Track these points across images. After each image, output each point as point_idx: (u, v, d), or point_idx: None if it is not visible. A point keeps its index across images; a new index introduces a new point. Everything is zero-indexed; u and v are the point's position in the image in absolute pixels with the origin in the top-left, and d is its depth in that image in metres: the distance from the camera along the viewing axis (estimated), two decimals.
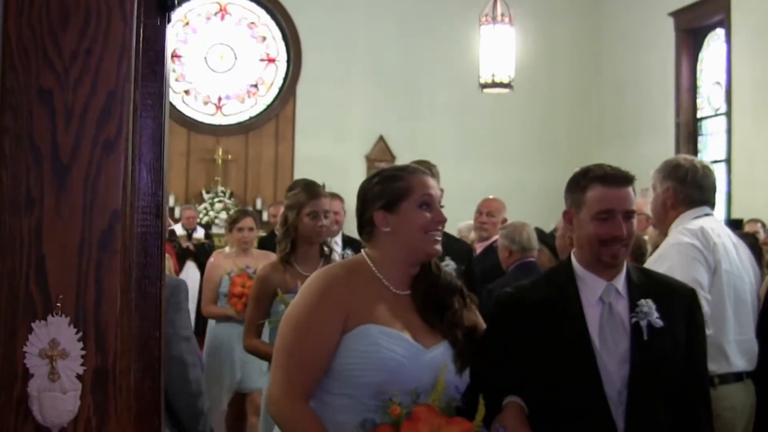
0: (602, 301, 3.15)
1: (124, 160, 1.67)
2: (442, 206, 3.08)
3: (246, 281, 6.71)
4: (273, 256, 7.25)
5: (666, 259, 4.23)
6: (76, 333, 1.64)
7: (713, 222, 4.46)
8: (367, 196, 3.05)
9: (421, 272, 3.06)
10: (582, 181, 3.22)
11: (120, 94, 1.67)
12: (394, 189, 2.99)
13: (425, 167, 3.28)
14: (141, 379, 1.76)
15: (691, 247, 4.22)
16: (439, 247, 3.01)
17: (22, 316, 1.63)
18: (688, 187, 4.40)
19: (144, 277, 1.75)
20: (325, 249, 5.07)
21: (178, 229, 12.84)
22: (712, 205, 4.48)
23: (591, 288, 3.17)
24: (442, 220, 3.01)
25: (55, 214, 1.64)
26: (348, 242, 9.19)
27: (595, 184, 3.18)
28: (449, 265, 5.07)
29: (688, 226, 4.31)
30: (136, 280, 1.73)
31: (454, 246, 5.70)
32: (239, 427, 7.42)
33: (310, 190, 5.07)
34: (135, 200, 1.71)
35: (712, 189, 4.48)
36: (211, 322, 7.79)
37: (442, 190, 3.22)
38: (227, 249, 9.34)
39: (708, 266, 4.20)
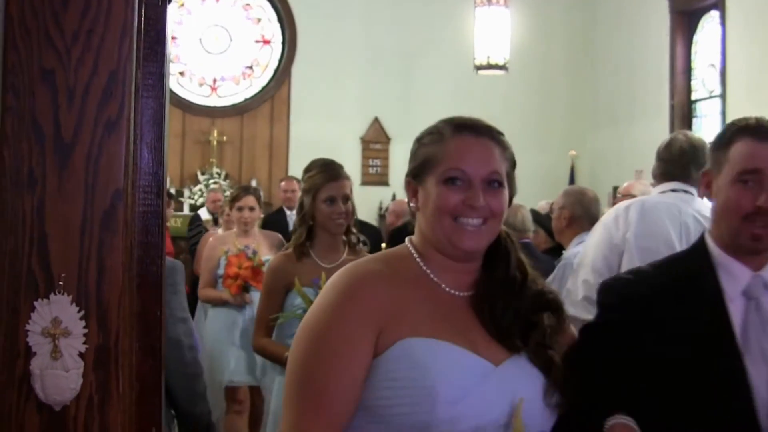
0: (747, 296, 2.39)
1: (126, 140, 1.68)
2: (496, 184, 2.18)
3: (243, 262, 6.27)
4: (277, 237, 6.79)
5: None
6: (79, 311, 1.65)
7: (671, 197, 4.46)
8: (410, 154, 2.32)
9: (489, 269, 2.24)
10: (726, 134, 2.48)
11: (122, 74, 1.68)
12: (424, 152, 2.24)
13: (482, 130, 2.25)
14: (142, 358, 1.77)
15: (603, 230, 4.42)
16: (475, 242, 2.15)
17: (25, 294, 1.65)
18: (656, 162, 4.52)
19: (145, 256, 1.76)
20: (352, 238, 4.48)
21: (203, 214, 12.59)
22: (680, 177, 4.47)
23: (734, 279, 2.40)
24: (476, 206, 2.12)
25: (57, 193, 1.65)
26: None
27: (743, 136, 2.42)
28: None
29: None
30: (137, 259, 1.74)
31: None
32: (238, 427, 6.83)
33: (328, 171, 4.45)
34: (136, 179, 1.72)
35: (679, 160, 4.46)
36: (205, 308, 7.34)
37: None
38: (220, 231, 9.15)
39: (612, 248, 4.34)
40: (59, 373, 1.64)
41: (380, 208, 15.52)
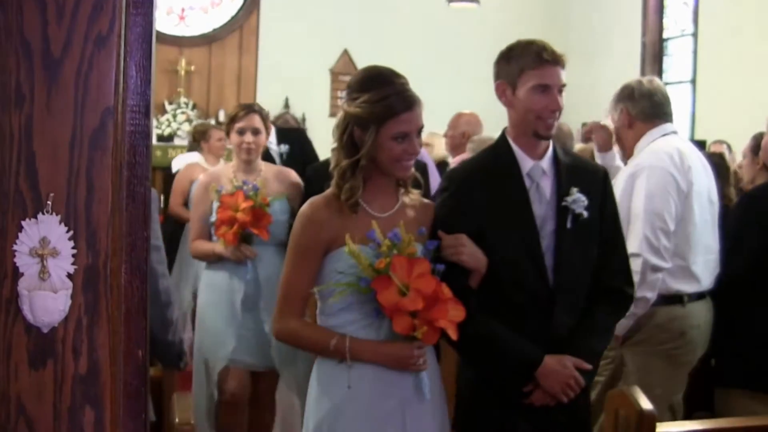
0: None
1: (116, 57, 1.63)
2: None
3: (241, 202, 4.69)
4: (292, 173, 5.24)
5: (637, 178, 4.24)
6: (67, 231, 1.62)
7: (683, 142, 4.48)
8: None
9: None
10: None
11: None
12: None
13: None
14: (129, 279, 1.74)
15: (666, 174, 4.23)
16: None
17: (12, 213, 1.61)
18: (637, 101, 4.44)
19: (133, 176, 1.72)
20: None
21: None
22: (670, 118, 4.48)
23: None
24: None
25: (45, 110, 1.60)
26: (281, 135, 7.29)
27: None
28: (578, 201, 3.32)
29: (663, 148, 4.31)
30: (125, 179, 1.70)
31: (584, 167, 3.60)
32: (236, 421, 5.16)
33: (399, 97, 3.10)
34: (126, 98, 1.68)
35: (665, 101, 4.47)
36: (184, 267, 6.67)
37: None
38: (201, 160, 7.93)
39: (680, 193, 4.22)
40: (47, 294, 1.61)
41: None
